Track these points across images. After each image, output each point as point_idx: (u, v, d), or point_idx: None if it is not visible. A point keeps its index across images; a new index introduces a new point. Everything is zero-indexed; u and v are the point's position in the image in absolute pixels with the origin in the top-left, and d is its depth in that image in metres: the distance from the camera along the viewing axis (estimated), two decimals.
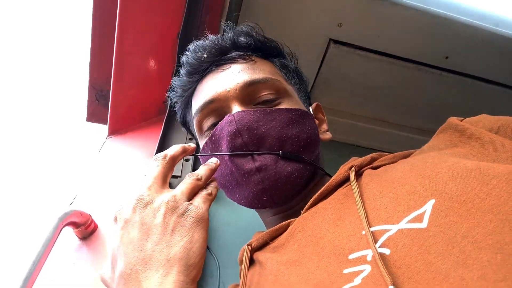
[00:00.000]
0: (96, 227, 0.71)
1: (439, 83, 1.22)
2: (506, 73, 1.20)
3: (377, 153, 0.57)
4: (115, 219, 0.44)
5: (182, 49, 0.98)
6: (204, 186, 0.48)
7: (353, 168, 0.53)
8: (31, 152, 1.19)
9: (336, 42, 1.15)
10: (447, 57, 1.18)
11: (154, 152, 0.81)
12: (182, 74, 0.69)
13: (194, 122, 0.65)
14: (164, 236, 0.40)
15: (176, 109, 0.75)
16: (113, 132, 1.06)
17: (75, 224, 0.66)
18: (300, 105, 0.64)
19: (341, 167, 0.56)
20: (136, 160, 0.94)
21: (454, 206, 0.37)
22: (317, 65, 1.20)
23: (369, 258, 0.38)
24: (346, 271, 0.39)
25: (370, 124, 1.33)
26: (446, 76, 1.21)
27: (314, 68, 1.20)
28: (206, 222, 0.43)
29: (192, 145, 0.53)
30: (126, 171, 0.91)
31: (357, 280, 0.37)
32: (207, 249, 0.43)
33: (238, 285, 0.59)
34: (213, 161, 0.51)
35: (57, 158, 1.14)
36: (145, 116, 1.05)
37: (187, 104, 0.71)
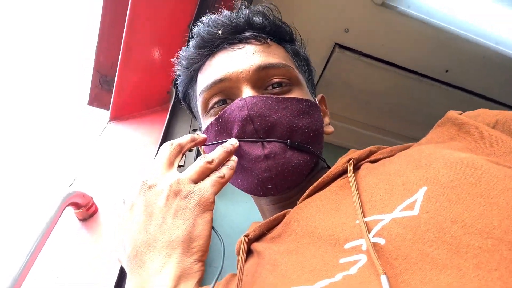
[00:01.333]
0: (96, 209, 0.71)
1: (438, 95, 1.25)
2: (503, 90, 1.23)
3: (375, 146, 0.57)
4: (124, 202, 0.45)
5: (191, 38, 0.99)
6: (217, 168, 0.47)
7: (351, 161, 0.53)
8: (30, 135, 1.19)
9: (341, 46, 1.16)
10: (447, 71, 1.21)
11: (159, 141, 0.82)
12: (192, 46, 0.66)
13: (200, 99, 0.63)
14: (167, 219, 0.41)
15: (178, 82, 0.72)
16: (115, 117, 1.06)
17: (77, 205, 0.66)
18: (309, 96, 0.63)
19: (339, 159, 0.56)
20: (136, 147, 0.94)
21: (445, 192, 0.37)
22: (320, 68, 1.22)
23: (363, 248, 0.38)
24: (342, 260, 0.40)
25: (368, 131, 1.36)
26: (445, 89, 1.24)
27: (318, 71, 1.22)
28: (210, 205, 0.42)
29: (202, 136, 0.53)
30: (126, 157, 0.91)
31: (353, 270, 0.38)
32: (212, 230, 0.43)
33: (234, 274, 0.59)
34: (232, 142, 0.51)
35: (56, 140, 1.14)
36: (148, 104, 1.05)
37: (192, 78, 0.68)
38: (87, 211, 0.68)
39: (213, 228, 0.43)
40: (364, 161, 0.54)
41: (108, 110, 1.07)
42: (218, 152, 0.49)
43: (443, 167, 0.40)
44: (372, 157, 0.54)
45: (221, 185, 0.46)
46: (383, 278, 0.33)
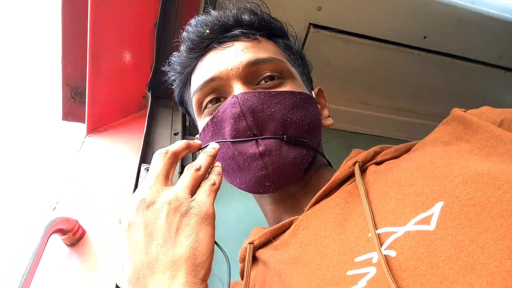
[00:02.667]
0: (84, 232, 0.68)
1: (419, 63, 1.23)
2: (483, 50, 1.22)
3: (378, 146, 0.56)
4: (119, 221, 0.42)
5: (160, 39, 0.94)
6: (206, 175, 0.45)
7: (357, 164, 0.52)
8: (6, 157, 1.13)
9: (316, 26, 1.13)
10: (425, 37, 1.18)
11: (140, 150, 0.78)
12: (182, 50, 0.66)
13: (193, 101, 0.63)
14: (169, 238, 0.38)
15: (174, 87, 0.72)
16: (92, 130, 1.01)
17: (62, 231, 0.63)
18: (304, 89, 0.62)
19: (344, 161, 0.55)
20: (118, 158, 0.90)
21: (463, 210, 0.36)
22: None
23: (374, 261, 0.38)
24: (350, 272, 0.39)
25: (353, 108, 1.34)
26: (425, 56, 1.22)
27: None
28: (211, 218, 0.41)
29: (198, 142, 0.51)
30: (108, 171, 0.87)
31: (362, 283, 0.37)
32: (215, 245, 0.41)
33: (238, 282, 0.58)
34: (213, 146, 0.49)
35: (34, 161, 1.09)
36: (124, 112, 1.01)
37: (186, 82, 0.68)
38: (73, 236, 0.65)
39: (216, 243, 0.41)
40: (369, 163, 0.53)
41: (84, 123, 1.03)
42: (203, 158, 0.47)
43: (461, 183, 0.39)
44: (378, 158, 0.54)
45: (215, 193, 0.44)
46: None
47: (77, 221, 0.66)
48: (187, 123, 0.95)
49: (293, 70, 0.63)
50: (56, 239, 0.66)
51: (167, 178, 0.44)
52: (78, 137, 1.03)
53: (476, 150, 0.44)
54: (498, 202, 0.35)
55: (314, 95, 0.66)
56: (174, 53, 0.69)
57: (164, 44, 0.92)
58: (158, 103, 0.94)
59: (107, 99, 0.98)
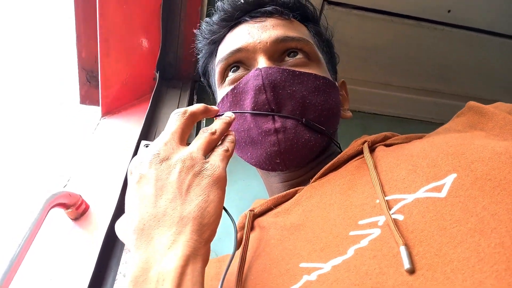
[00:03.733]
0: (87, 207, 0.70)
1: (442, 39, 1.16)
2: (509, 22, 1.13)
3: (389, 132, 0.56)
4: (130, 172, 0.42)
5: (167, 20, 0.94)
6: (220, 141, 0.45)
7: (366, 142, 0.52)
8: (25, 138, 1.19)
9: (331, 3, 1.09)
10: (449, 11, 1.11)
11: (139, 131, 0.79)
12: (214, 19, 0.67)
13: (217, 70, 0.64)
14: (179, 194, 0.38)
15: (199, 57, 0.73)
16: (106, 112, 1.04)
17: (65, 205, 0.65)
18: (328, 75, 0.62)
19: (353, 141, 0.55)
20: (129, 139, 0.92)
21: (477, 183, 0.35)
22: None
23: (380, 223, 0.37)
24: (352, 233, 0.39)
25: (372, 88, 1.29)
26: (450, 31, 1.14)
27: None
28: (223, 182, 0.40)
29: (215, 108, 0.51)
30: (119, 150, 0.89)
31: (364, 242, 0.36)
32: (223, 209, 0.41)
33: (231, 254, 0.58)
34: (228, 115, 0.49)
35: (53, 143, 1.14)
36: (136, 94, 1.03)
37: (212, 52, 0.69)
38: (77, 210, 0.67)
39: (224, 208, 0.41)
40: (379, 144, 0.53)
41: (99, 106, 1.06)
42: (218, 124, 0.47)
43: (477, 160, 0.38)
44: (387, 142, 0.53)
45: (228, 158, 0.43)
46: (402, 249, 0.32)
47: (80, 196, 0.68)
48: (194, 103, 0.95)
49: (320, 55, 0.63)
50: (61, 213, 0.68)
51: (183, 138, 0.44)
52: (94, 120, 1.06)
53: (491, 136, 0.43)
54: None
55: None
56: (205, 18, 0.69)
57: (171, 24, 0.92)
58: (166, 83, 0.95)
59: (119, 81, 1.00)
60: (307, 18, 0.67)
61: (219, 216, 0.39)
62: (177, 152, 0.41)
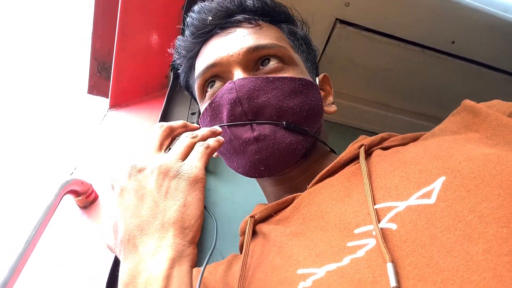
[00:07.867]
0: (96, 197, 0.71)
1: (445, 68, 1.21)
2: (510, 60, 1.19)
3: (386, 133, 0.56)
4: (112, 187, 0.44)
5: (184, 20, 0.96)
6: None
7: (363, 147, 0.52)
8: (31, 126, 1.19)
9: (343, 22, 1.13)
10: (453, 42, 1.16)
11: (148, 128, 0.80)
12: (186, 35, 0.67)
13: (196, 86, 0.64)
14: (159, 201, 0.40)
15: (179, 71, 0.73)
16: (114, 105, 1.05)
17: (76, 193, 0.66)
18: (306, 75, 0.62)
19: (350, 145, 0.56)
20: (136, 133, 0.93)
21: (464, 183, 0.37)
22: (322, 45, 1.19)
23: (374, 233, 0.39)
24: (350, 244, 0.40)
25: (373, 108, 1.32)
26: (452, 61, 1.19)
27: (319, 48, 1.18)
28: (201, 182, 0.41)
29: (196, 124, 0.53)
30: (126, 144, 0.90)
31: (360, 253, 0.38)
32: (204, 209, 0.42)
33: (237, 255, 0.59)
34: (215, 127, 0.50)
35: (57, 129, 1.13)
36: (147, 90, 1.04)
37: (191, 67, 0.69)
38: (86, 199, 0.68)
39: (205, 207, 0.42)
40: (375, 148, 0.53)
41: (107, 97, 1.07)
42: (202, 130, 0.48)
43: (465, 160, 0.39)
44: (384, 144, 0.54)
45: (208, 156, 0.44)
46: (389, 266, 0.33)
47: (91, 185, 0.69)
48: None
49: (296, 56, 0.63)
50: (70, 200, 0.69)
51: (160, 149, 0.45)
52: (101, 110, 1.07)
53: (484, 140, 0.44)
54: (498, 174, 0.36)
55: (318, 82, 0.66)
56: (178, 36, 0.70)
57: None
58: (179, 83, 0.96)
59: (131, 76, 1.02)
60: (279, 19, 0.67)
61: (200, 217, 0.40)
62: (152, 160, 0.43)
